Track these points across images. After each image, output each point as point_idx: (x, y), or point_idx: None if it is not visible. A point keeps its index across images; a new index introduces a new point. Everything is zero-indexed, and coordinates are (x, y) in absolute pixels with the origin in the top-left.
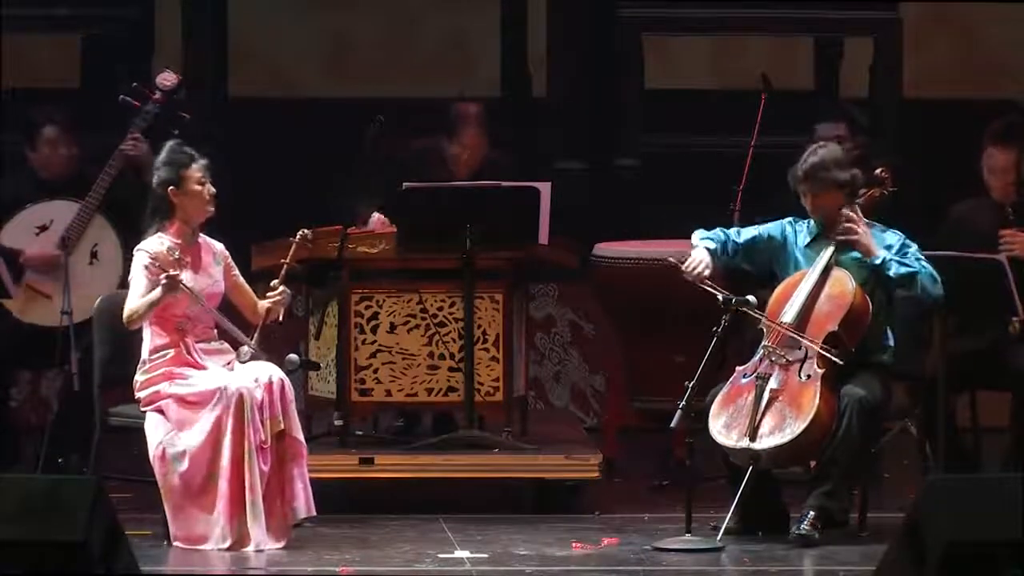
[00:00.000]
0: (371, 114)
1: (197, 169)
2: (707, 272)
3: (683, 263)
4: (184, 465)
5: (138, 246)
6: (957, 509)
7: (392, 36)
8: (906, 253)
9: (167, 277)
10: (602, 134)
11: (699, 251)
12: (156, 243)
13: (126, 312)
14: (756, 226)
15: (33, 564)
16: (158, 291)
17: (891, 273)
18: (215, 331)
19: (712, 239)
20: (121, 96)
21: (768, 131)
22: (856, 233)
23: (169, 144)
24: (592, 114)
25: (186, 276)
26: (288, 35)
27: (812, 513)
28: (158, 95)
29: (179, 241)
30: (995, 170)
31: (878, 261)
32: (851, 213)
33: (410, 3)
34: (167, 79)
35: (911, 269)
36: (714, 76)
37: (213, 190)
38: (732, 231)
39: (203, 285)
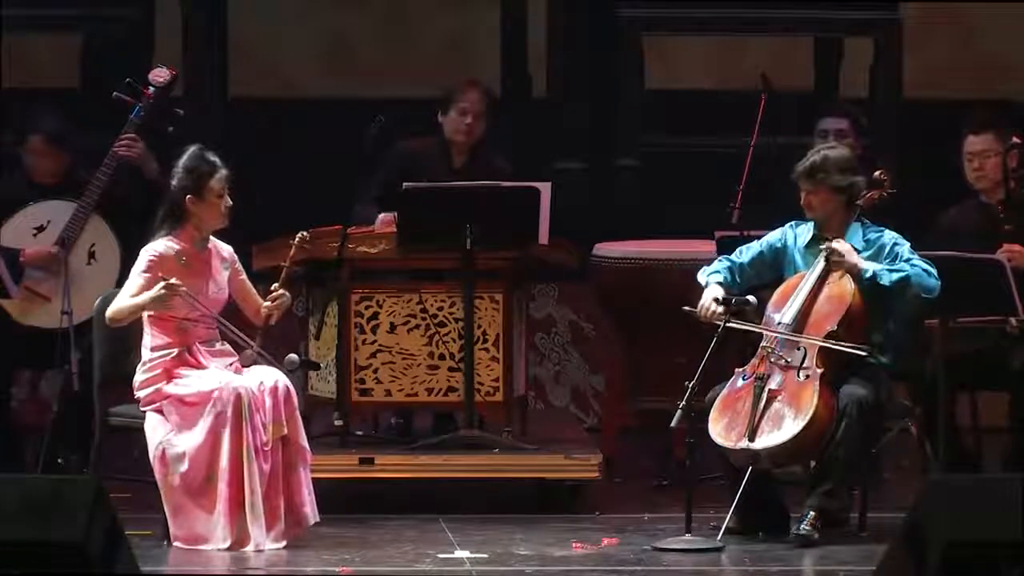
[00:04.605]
0: (371, 114)
1: (219, 180)
2: (720, 309)
3: (695, 309)
4: (184, 466)
5: (146, 246)
6: (957, 509)
7: (392, 36)
8: (897, 255)
9: (166, 286)
10: (602, 134)
11: (710, 290)
12: (163, 246)
13: (111, 310)
14: (757, 241)
15: (33, 564)
16: (147, 296)
17: (884, 283)
18: (218, 332)
19: (719, 272)
20: (115, 93)
21: (768, 131)
22: (840, 256)
23: (193, 149)
24: (592, 114)
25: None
26: (288, 35)
27: (812, 513)
28: (151, 91)
29: (188, 246)
30: (971, 156)
31: (868, 275)
32: (833, 243)
33: (410, 3)
34: (160, 75)
35: (902, 273)
36: (714, 76)
37: (231, 203)
38: (735, 254)
39: (210, 292)
